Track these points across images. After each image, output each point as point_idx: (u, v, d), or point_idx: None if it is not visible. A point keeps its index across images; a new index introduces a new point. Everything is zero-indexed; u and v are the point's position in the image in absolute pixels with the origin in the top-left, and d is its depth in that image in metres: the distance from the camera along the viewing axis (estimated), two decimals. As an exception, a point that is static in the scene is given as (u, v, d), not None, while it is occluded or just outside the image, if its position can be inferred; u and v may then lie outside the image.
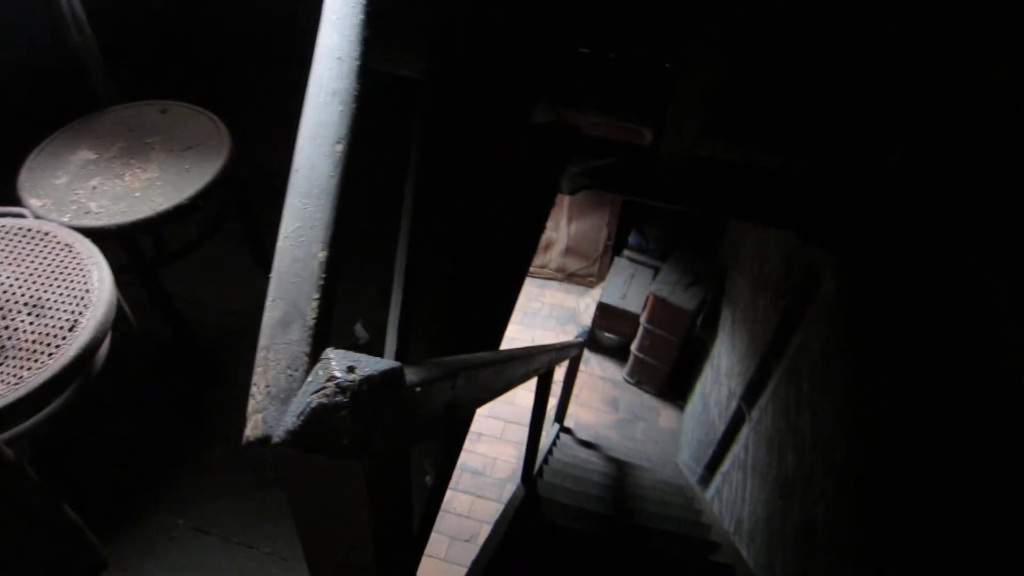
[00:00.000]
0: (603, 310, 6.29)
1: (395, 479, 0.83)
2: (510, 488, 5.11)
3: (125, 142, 1.96)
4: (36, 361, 1.36)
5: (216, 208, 2.14)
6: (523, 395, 5.75)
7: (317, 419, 0.68)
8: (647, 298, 5.89)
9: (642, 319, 5.97)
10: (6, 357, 1.35)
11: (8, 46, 2.36)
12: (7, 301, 1.46)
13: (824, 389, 2.86)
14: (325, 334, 0.89)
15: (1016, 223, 1.81)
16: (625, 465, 5.59)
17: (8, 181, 1.83)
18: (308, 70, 1.13)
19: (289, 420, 0.69)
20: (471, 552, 4.06)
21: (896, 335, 2.32)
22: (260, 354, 0.85)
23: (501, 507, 3.94)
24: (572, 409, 6.12)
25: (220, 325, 2.41)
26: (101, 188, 1.82)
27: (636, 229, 6.60)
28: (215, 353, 2.34)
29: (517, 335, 6.68)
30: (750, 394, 4.15)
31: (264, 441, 0.76)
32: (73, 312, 1.45)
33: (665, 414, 6.34)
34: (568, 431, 6.03)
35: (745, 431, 4.17)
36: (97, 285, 1.51)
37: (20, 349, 1.37)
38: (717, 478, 4.74)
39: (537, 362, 2.48)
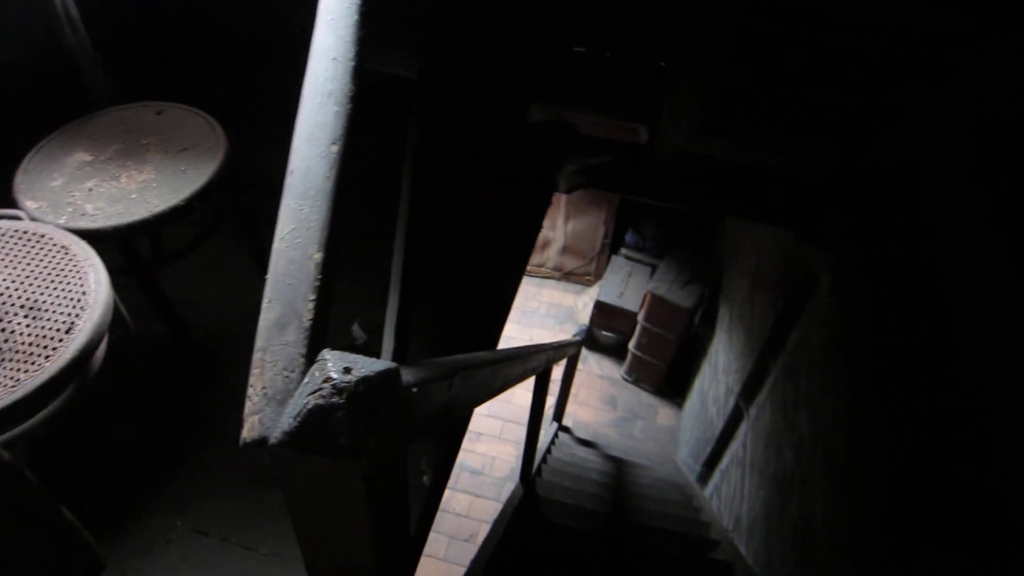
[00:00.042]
0: (601, 308, 6.29)
1: (392, 479, 0.83)
2: (509, 487, 5.12)
3: (121, 144, 1.96)
4: (33, 363, 1.35)
5: (213, 209, 2.14)
6: (521, 394, 5.75)
7: (314, 420, 0.69)
8: (645, 296, 5.90)
9: (640, 317, 5.98)
10: (3, 360, 1.35)
11: (3, 48, 2.35)
12: (3, 304, 1.45)
13: (822, 387, 2.87)
14: (321, 335, 0.89)
15: (1014, 223, 1.81)
16: (624, 463, 5.59)
17: (4, 183, 1.83)
18: (304, 71, 1.13)
19: (286, 421, 0.69)
20: (470, 551, 4.06)
21: (893, 333, 2.32)
22: (256, 356, 0.85)
23: (500, 506, 3.95)
24: (570, 408, 6.12)
25: (217, 326, 2.41)
26: (97, 190, 1.82)
27: (633, 227, 6.60)
28: (212, 354, 2.34)
29: (515, 334, 6.68)
30: (748, 391, 4.15)
31: (261, 443, 0.76)
32: (70, 314, 1.45)
33: (663, 412, 6.34)
34: (567, 430, 6.03)
35: (743, 428, 4.18)
36: (94, 287, 1.51)
37: (17, 352, 1.37)
38: (716, 476, 4.74)
39: (535, 361, 2.49)
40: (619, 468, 5.42)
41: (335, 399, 0.69)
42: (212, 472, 2.05)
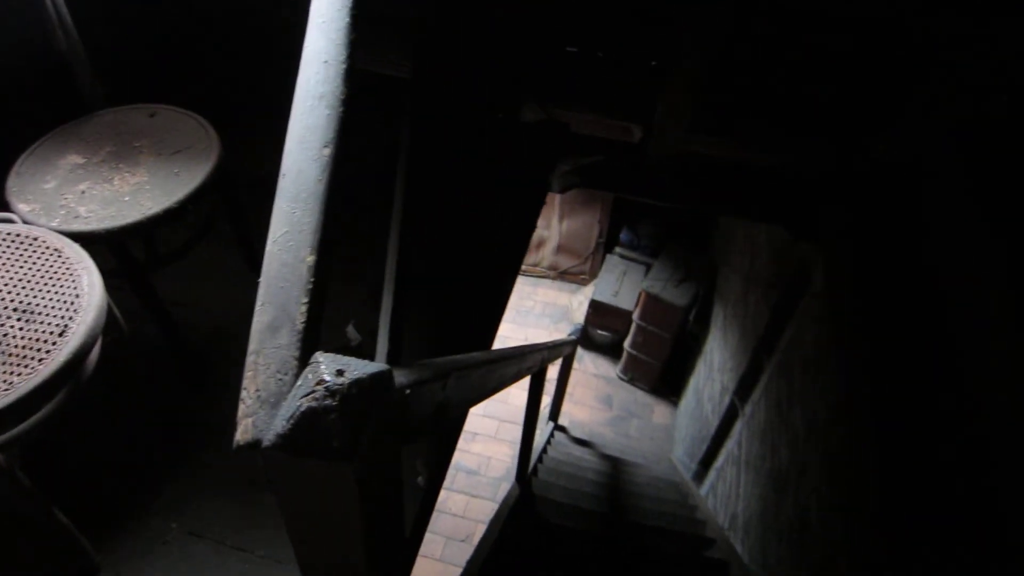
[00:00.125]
0: (596, 307, 6.29)
1: (386, 481, 0.84)
2: (505, 487, 5.11)
3: (114, 146, 1.96)
4: (26, 367, 1.35)
5: (206, 211, 2.14)
6: (517, 394, 5.74)
7: (307, 423, 0.69)
8: (639, 295, 5.90)
9: (635, 316, 5.98)
10: (-4, 363, 1.35)
11: (-5, 51, 2.35)
12: (-4, 307, 1.45)
13: (815, 383, 2.88)
14: (314, 338, 0.89)
15: (1003, 220, 1.82)
16: (619, 462, 5.59)
17: (-4, 186, 1.82)
18: (296, 73, 1.13)
19: (279, 424, 0.69)
20: (467, 552, 4.07)
21: (886, 329, 2.33)
22: (250, 359, 0.85)
23: (496, 506, 3.95)
24: (566, 407, 6.13)
25: (211, 328, 2.40)
26: (90, 192, 1.82)
27: (627, 226, 6.61)
28: (206, 357, 2.33)
29: (510, 334, 6.68)
30: (743, 389, 4.16)
31: (254, 445, 0.77)
32: (63, 317, 1.45)
33: (659, 410, 6.35)
34: (562, 429, 6.04)
35: (738, 426, 4.19)
36: (87, 290, 1.51)
37: (10, 355, 1.36)
38: (711, 474, 4.75)
39: (530, 361, 2.49)
40: (615, 467, 5.42)
41: (328, 401, 0.69)
42: (207, 475, 2.05)
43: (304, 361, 0.83)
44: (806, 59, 2.49)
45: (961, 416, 1.83)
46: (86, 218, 1.75)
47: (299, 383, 0.72)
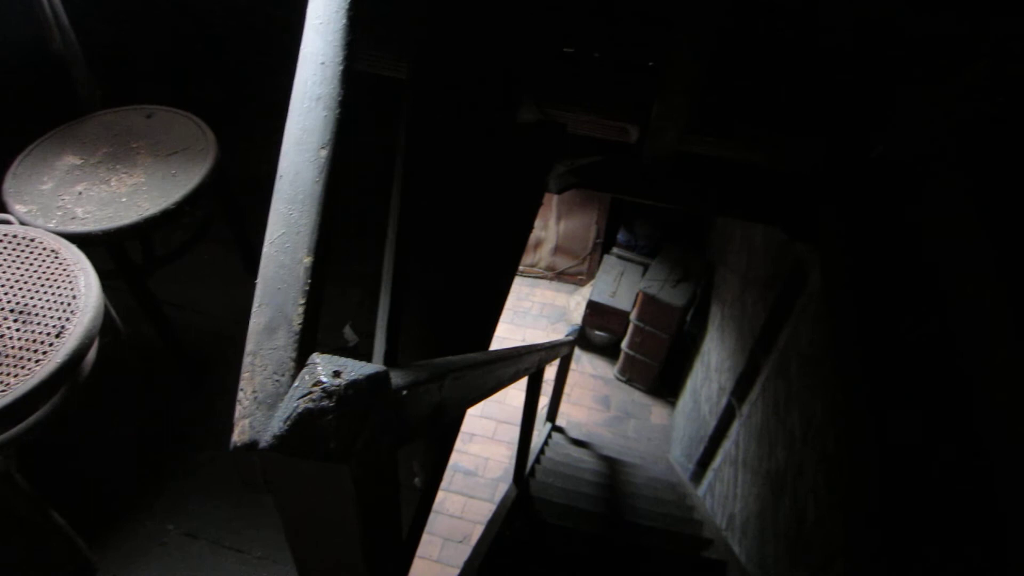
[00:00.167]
0: (593, 308, 6.30)
1: (383, 482, 0.84)
2: (502, 488, 5.12)
3: (110, 147, 1.96)
4: (23, 368, 1.35)
5: (203, 213, 2.13)
6: (515, 395, 5.75)
7: (304, 424, 0.69)
8: (637, 295, 5.91)
9: (632, 316, 5.99)
10: (-7, 365, 1.35)
11: (-9, 52, 2.35)
12: (-7, 309, 1.45)
13: (812, 383, 2.88)
14: (311, 339, 0.89)
15: (998, 219, 1.82)
16: (617, 463, 5.60)
17: (-7, 187, 1.82)
18: (294, 73, 1.13)
19: (276, 425, 0.69)
20: (464, 553, 4.06)
21: (884, 329, 2.33)
22: (247, 360, 0.85)
23: (494, 507, 3.95)
24: (563, 408, 6.13)
25: (208, 330, 2.40)
26: (87, 193, 1.81)
27: (625, 226, 6.62)
28: (203, 358, 2.33)
29: (508, 334, 6.69)
30: (740, 389, 4.17)
31: (251, 446, 0.77)
32: (60, 318, 1.45)
33: (656, 411, 6.36)
34: (560, 430, 6.04)
35: (736, 426, 4.19)
36: (84, 291, 1.51)
37: (7, 356, 1.36)
38: (709, 474, 4.76)
39: (527, 362, 2.49)
40: (612, 468, 5.43)
41: (325, 403, 0.70)
42: (204, 476, 2.05)
43: (301, 362, 0.83)
44: (803, 58, 2.50)
45: (960, 415, 1.84)
46: (83, 219, 1.75)
47: (296, 384, 0.72)
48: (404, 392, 0.87)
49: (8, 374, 1.34)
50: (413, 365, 1.01)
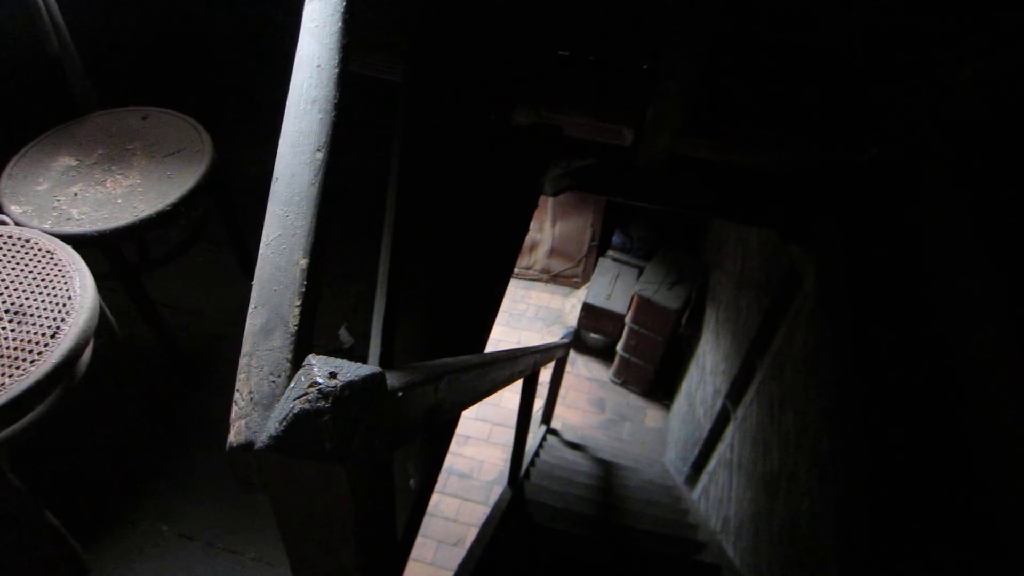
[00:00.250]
0: (588, 311, 6.31)
1: (378, 483, 0.84)
2: (497, 491, 5.12)
3: (106, 148, 1.96)
4: (18, 368, 1.35)
5: (199, 214, 2.13)
6: (510, 397, 5.76)
7: (300, 425, 0.69)
8: (632, 298, 5.92)
9: (627, 319, 6.00)
10: (-13, 366, 1.35)
11: (-13, 53, 2.35)
12: (-12, 309, 1.45)
13: (807, 386, 2.89)
14: (307, 340, 0.89)
15: (990, 221, 1.83)
16: (612, 466, 5.60)
17: (-12, 188, 1.82)
18: (290, 75, 1.13)
19: (272, 426, 0.70)
20: (458, 555, 4.06)
21: (878, 331, 2.34)
22: (243, 361, 0.85)
23: (488, 510, 3.95)
24: (558, 410, 6.13)
25: (204, 331, 2.40)
26: (83, 194, 1.81)
27: (620, 229, 6.63)
28: (199, 359, 2.33)
29: (503, 337, 6.69)
30: (735, 392, 4.17)
31: (247, 447, 0.77)
32: (55, 319, 1.45)
33: (651, 414, 6.37)
34: (555, 432, 6.04)
35: (731, 429, 4.20)
36: (79, 292, 1.51)
37: (2, 356, 1.36)
38: (703, 477, 4.76)
39: (522, 364, 2.49)
40: (607, 471, 5.43)
41: (321, 404, 0.70)
42: (199, 477, 2.04)
43: (297, 363, 0.84)
44: (797, 61, 2.51)
45: (955, 419, 1.84)
46: (78, 220, 1.75)
47: (292, 385, 0.73)
48: (400, 394, 0.87)
49: (3, 374, 1.33)
50: (409, 367, 1.01)
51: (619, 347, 6.26)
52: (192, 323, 2.40)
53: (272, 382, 0.83)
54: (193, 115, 2.09)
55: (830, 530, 2.40)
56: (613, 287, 6.29)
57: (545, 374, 5.21)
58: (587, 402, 6.39)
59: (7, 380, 1.33)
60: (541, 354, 3.12)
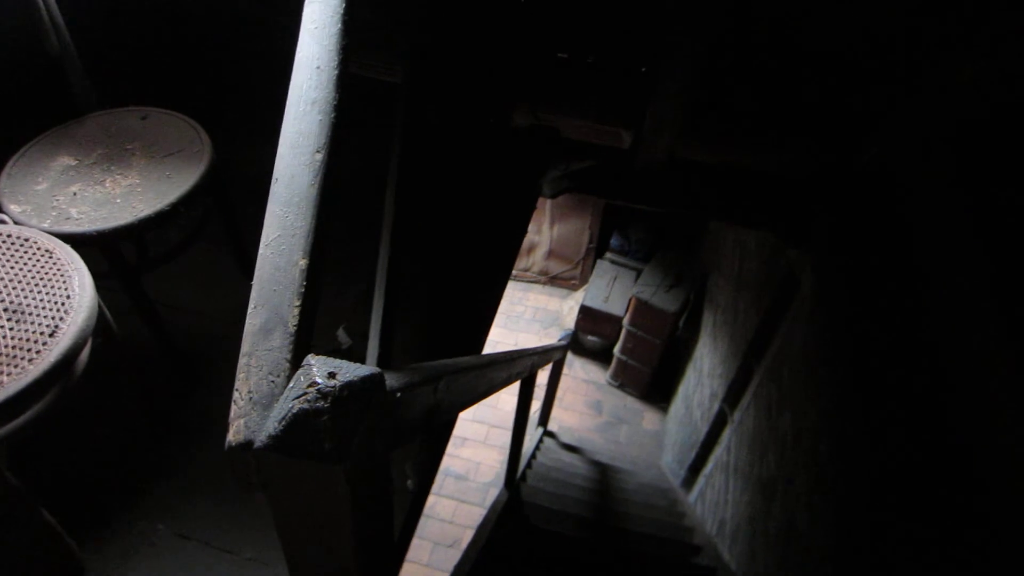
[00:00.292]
0: (586, 313, 6.31)
1: (376, 484, 0.84)
2: (494, 493, 5.11)
3: (105, 148, 1.96)
4: (16, 366, 1.35)
5: (198, 214, 2.14)
6: (507, 399, 5.76)
7: (299, 424, 0.69)
8: (630, 300, 5.92)
9: (625, 321, 6.00)
10: (-14, 364, 1.35)
11: (-13, 52, 2.35)
12: (-13, 308, 1.45)
13: (804, 389, 2.89)
14: (306, 341, 0.90)
15: (989, 224, 1.84)
16: (608, 468, 5.60)
17: (-13, 187, 1.82)
18: (289, 76, 1.14)
19: (271, 425, 0.70)
20: (454, 557, 4.06)
21: (876, 334, 2.35)
22: (242, 360, 0.86)
23: (484, 512, 3.95)
24: (555, 412, 6.13)
25: (203, 330, 2.40)
26: (82, 194, 1.82)
27: (618, 231, 6.63)
28: (197, 358, 2.33)
29: (501, 338, 6.69)
30: (732, 395, 4.18)
31: (246, 446, 0.77)
32: (54, 318, 1.45)
33: (648, 417, 6.37)
34: (551, 435, 6.04)
35: (727, 432, 4.20)
36: (78, 291, 1.51)
37: (0, 354, 1.36)
38: (700, 480, 4.77)
39: (520, 366, 2.49)
40: (604, 473, 5.43)
41: (320, 403, 0.70)
42: (196, 476, 2.04)
43: (296, 364, 0.84)
44: (796, 63, 2.51)
45: (952, 422, 1.85)
46: (77, 220, 1.75)
47: (291, 385, 0.73)
48: (398, 394, 0.87)
49: (1, 372, 1.34)
50: (407, 368, 1.01)
51: (616, 349, 6.26)
52: (191, 323, 2.40)
53: (271, 382, 0.83)
54: (193, 115, 2.09)
55: (829, 531, 2.40)
56: (611, 289, 6.30)
57: (542, 376, 5.21)
58: (584, 404, 6.39)
59: (5, 378, 1.33)
60: (539, 356, 3.13)
